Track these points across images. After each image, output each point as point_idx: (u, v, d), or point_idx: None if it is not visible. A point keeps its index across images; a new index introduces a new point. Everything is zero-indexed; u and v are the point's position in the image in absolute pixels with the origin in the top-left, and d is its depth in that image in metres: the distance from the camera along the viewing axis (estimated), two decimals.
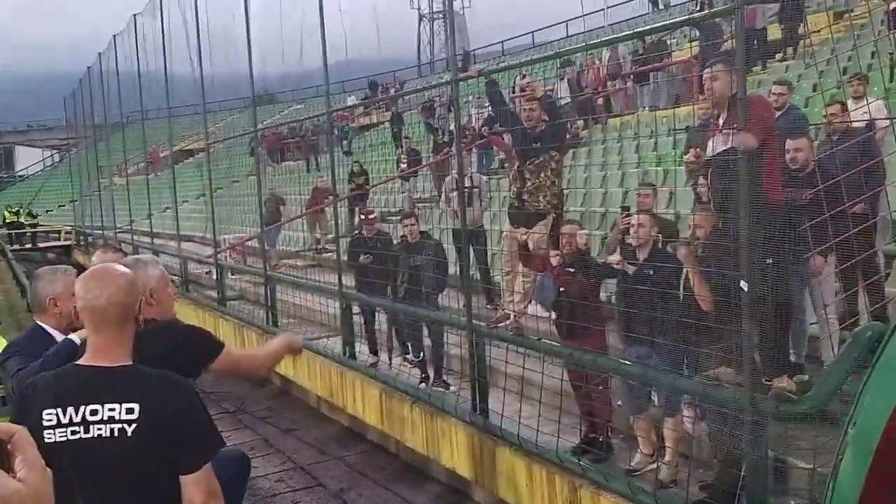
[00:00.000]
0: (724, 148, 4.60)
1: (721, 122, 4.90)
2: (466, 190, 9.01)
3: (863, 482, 1.32)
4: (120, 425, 2.40)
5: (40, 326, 3.84)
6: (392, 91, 28.77)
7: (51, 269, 4.22)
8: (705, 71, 4.81)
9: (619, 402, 6.13)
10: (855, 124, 6.75)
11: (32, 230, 32.87)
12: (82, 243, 28.04)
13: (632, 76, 15.23)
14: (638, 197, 6.98)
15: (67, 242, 29.75)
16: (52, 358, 3.40)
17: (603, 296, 6.56)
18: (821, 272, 5.47)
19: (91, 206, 25.65)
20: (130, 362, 2.52)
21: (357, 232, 9.27)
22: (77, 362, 2.53)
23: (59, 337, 3.72)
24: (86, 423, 2.38)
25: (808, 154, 5.73)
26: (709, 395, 4.51)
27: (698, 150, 5.65)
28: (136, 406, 2.40)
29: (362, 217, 9.29)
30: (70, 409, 2.40)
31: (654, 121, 12.18)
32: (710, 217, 5.25)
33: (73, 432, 2.40)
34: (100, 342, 2.49)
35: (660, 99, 14.22)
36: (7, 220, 33.69)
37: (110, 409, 2.39)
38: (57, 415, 2.40)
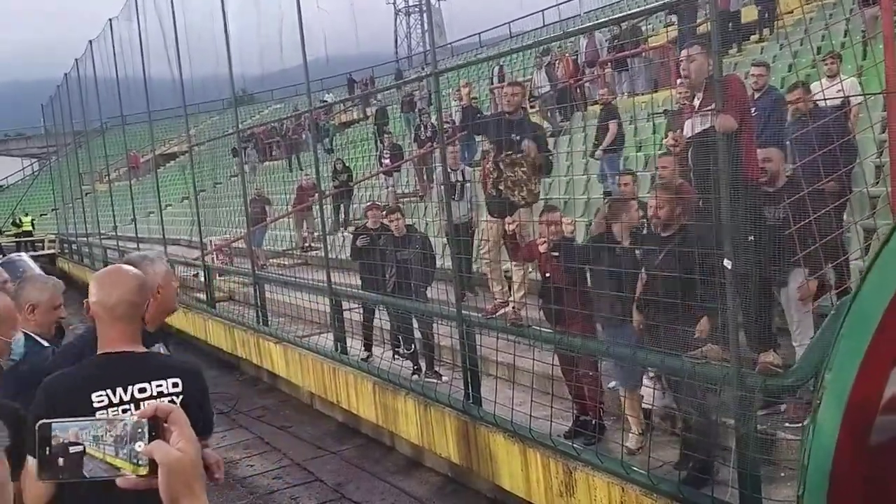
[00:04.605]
0: (703, 128, 4.68)
1: (697, 103, 4.98)
2: (459, 182, 9.11)
3: (839, 425, 1.39)
4: (169, 398, 2.66)
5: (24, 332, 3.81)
6: (370, 88, 28.73)
7: (43, 277, 4.20)
8: (682, 52, 4.88)
9: (612, 384, 6.22)
10: (820, 103, 6.80)
11: (17, 239, 32.63)
12: (66, 251, 27.85)
13: (609, 63, 15.31)
14: (619, 185, 7.05)
15: (51, 251, 29.48)
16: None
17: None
18: (809, 298, 5.45)
19: (74, 213, 25.51)
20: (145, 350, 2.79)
21: (361, 225, 9.34)
22: (104, 351, 2.71)
23: (43, 342, 3.64)
24: (135, 401, 2.62)
25: (778, 166, 5.60)
26: (697, 373, 4.59)
27: (677, 133, 5.72)
28: (179, 380, 2.71)
29: (367, 205, 9.40)
30: (119, 390, 2.63)
31: (633, 106, 12.26)
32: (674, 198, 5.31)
33: (125, 410, 2.62)
34: (114, 335, 2.69)
35: (637, 85, 14.30)
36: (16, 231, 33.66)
37: (157, 385, 2.67)
38: (108, 395, 2.61)
